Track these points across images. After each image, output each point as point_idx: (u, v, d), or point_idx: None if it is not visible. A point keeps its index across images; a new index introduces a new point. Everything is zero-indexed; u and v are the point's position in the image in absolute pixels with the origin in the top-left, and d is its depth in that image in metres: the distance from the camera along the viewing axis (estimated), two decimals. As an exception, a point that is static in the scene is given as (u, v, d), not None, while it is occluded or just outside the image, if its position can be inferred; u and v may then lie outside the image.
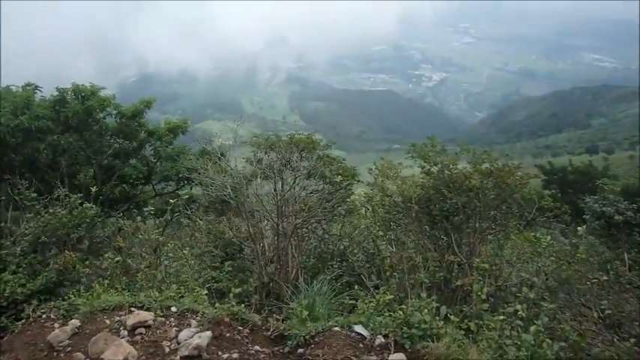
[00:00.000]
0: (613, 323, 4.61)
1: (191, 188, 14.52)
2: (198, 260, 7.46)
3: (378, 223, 6.84)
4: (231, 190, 7.12)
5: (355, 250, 7.49)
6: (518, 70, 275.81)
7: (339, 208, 7.97)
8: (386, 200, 6.82)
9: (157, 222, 9.90)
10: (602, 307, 4.65)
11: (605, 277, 4.82)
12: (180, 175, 14.19)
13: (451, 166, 6.20)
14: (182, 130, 14.97)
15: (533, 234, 6.36)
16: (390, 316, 4.25)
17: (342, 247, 7.61)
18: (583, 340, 3.80)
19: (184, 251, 7.18)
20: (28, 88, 13.14)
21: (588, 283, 4.79)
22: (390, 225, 6.95)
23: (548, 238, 5.83)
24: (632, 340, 3.99)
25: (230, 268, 7.21)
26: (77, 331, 4.34)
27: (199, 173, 8.04)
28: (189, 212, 8.38)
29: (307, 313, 4.50)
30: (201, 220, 8.58)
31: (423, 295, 4.80)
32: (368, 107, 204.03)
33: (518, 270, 5.97)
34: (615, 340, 4.22)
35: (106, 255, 6.35)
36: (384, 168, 7.00)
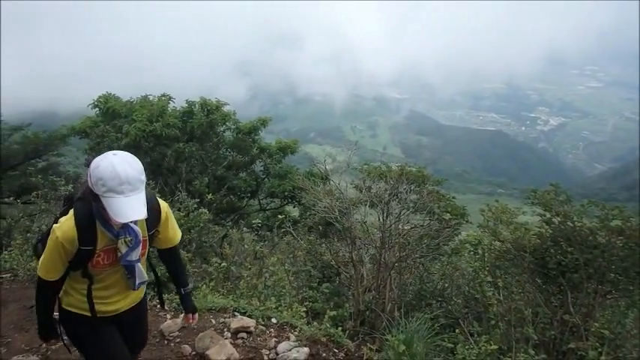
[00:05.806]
0: None
1: (294, 207, 14.90)
2: (296, 277, 7.59)
3: (487, 268, 6.48)
4: (339, 213, 7.20)
5: (454, 293, 7.17)
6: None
7: (445, 246, 7.70)
8: (496, 245, 6.45)
9: (259, 235, 10.26)
10: None
11: None
12: (286, 193, 14.59)
13: (575, 219, 5.72)
14: (292, 150, 15.45)
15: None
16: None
17: (441, 287, 7.32)
18: None
19: (285, 266, 7.33)
20: (163, 98, 14.38)
21: None
22: (497, 272, 6.55)
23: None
24: None
25: (327, 290, 7.21)
26: (185, 325, 4.61)
27: (307, 193, 8.24)
28: (292, 230, 8.58)
29: (404, 347, 4.36)
30: (301, 240, 8.73)
31: (531, 351, 4.48)
32: (474, 146, 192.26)
33: (644, 344, 5.31)
34: None
35: (212, 260, 6.62)
36: (498, 211, 6.66)
